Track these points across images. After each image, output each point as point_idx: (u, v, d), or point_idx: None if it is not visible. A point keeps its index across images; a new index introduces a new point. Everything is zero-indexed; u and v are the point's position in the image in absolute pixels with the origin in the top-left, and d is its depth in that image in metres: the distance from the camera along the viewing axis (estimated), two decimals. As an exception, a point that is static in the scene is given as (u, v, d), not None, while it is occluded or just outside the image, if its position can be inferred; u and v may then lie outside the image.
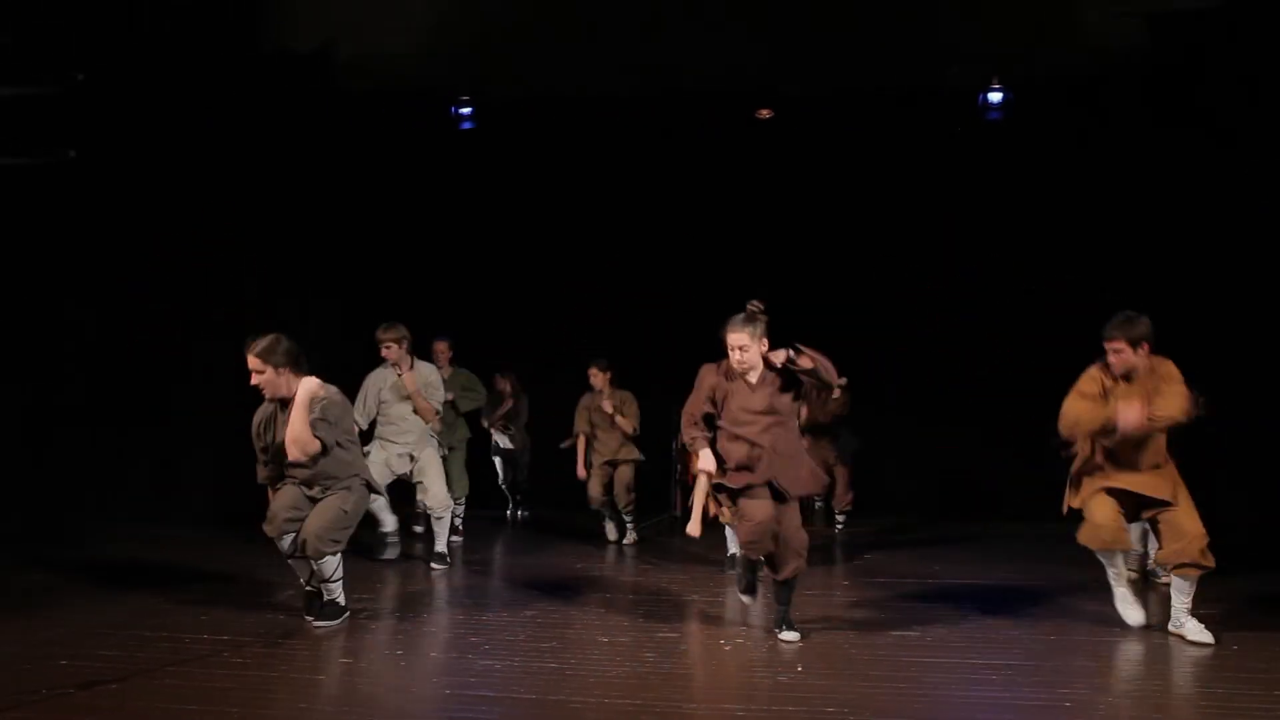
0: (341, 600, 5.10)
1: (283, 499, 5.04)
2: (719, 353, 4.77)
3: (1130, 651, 4.60)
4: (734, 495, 4.69)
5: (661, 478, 8.84)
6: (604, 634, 4.83)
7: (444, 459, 7.02)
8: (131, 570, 6.36)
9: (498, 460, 9.20)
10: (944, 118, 9.36)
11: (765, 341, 4.68)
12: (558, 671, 4.30)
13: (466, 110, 10.00)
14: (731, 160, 9.79)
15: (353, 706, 3.78)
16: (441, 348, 7.84)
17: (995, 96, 9.29)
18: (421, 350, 7.17)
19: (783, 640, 4.72)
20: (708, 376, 4.78)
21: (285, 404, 4.97)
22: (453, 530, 7.33)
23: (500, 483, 9.29)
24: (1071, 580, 6.13)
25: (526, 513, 9.28)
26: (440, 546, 6.73)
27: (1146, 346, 4.79)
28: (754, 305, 4.70)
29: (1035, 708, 3.89)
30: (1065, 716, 3.75)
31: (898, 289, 9.49)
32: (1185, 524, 4.72)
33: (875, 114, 9.39)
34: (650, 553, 7.41)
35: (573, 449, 7.98)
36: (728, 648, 4.63)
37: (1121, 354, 4.78)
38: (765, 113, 9.75)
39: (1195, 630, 4.71)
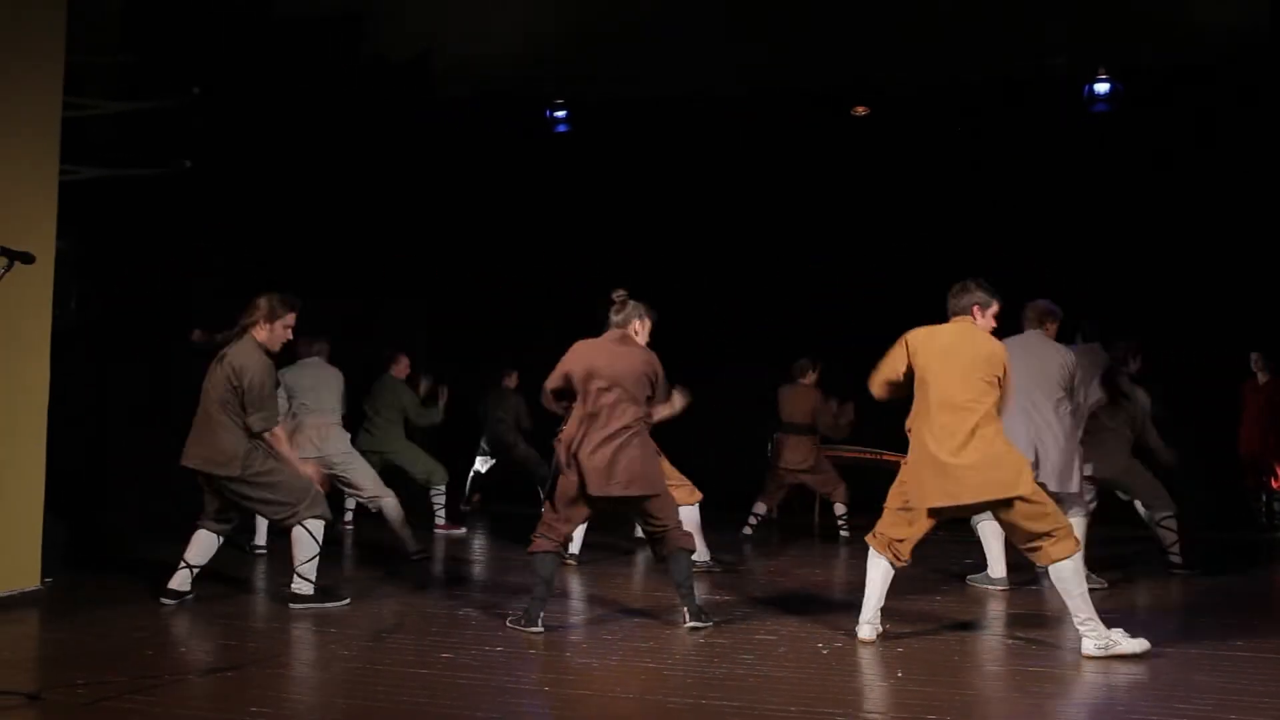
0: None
1: None
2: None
3: (1249, 667, 4.39)
4: None
5: (751, 480, 8.69)
6: (701, 635, 4.83)
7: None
8: (243, 563, 6.60)
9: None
10: (1048, 110, 9.10)
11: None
12: (655, 672, 4.30)
13: (561, 114, 10.11)
14: (829, 158, 9.68)
15: (453, 699, 3.86)
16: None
17: (1102, 88, 8.99)
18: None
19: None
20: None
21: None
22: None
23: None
24: (1188, 591, 5.89)
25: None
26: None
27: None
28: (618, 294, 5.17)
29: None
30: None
31: (1007, 283, 9.24)
32: None
33: (977, 108, 9.18)
34: (744, 555, 7.37)
35: None
36: (825, 652, 4.58)
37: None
38: (861, 110, 9.62)
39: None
